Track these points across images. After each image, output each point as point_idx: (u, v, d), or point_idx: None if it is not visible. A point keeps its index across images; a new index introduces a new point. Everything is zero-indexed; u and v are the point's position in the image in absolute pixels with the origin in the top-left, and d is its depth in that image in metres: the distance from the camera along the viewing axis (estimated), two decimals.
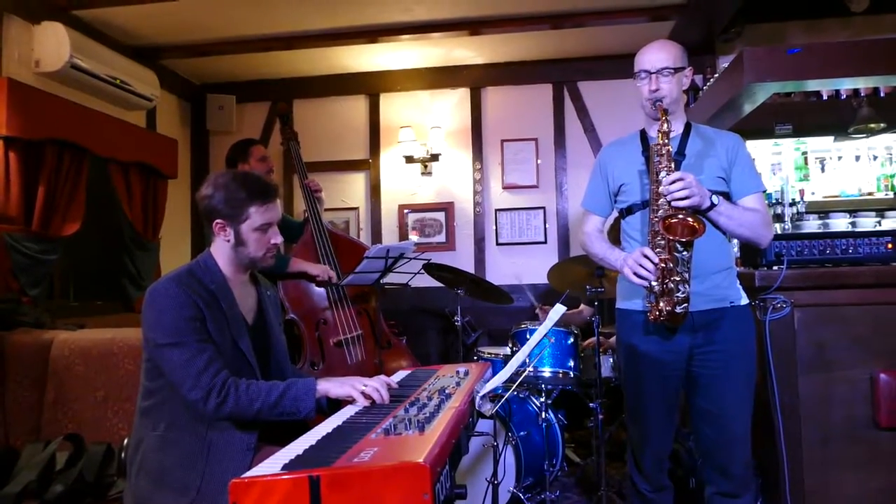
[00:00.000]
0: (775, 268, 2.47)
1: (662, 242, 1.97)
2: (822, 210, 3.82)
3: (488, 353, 3.50)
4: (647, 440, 2.21)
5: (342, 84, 4.95)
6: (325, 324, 3.22)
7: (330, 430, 1.46)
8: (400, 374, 2.12)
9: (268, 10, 3.84)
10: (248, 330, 1.86)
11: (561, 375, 3.08)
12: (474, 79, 4.87)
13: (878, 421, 2.35)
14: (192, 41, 4.28)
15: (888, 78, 3.07)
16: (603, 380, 2.98)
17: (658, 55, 2.10)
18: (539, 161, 4.81)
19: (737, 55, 2.99)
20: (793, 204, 3.54)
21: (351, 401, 1.74)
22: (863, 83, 3.32)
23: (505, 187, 4.84)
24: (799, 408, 2.39)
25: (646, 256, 1.98)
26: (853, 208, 3.88)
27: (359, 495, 1.09)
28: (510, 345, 3.27)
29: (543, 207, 4.79)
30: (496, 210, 4.84)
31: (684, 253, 1.93)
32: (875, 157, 4.29)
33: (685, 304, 1.96)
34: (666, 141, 2.02)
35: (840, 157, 4.33)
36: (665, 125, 2.03)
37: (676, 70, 2.09)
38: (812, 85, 3.12)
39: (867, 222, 3.44)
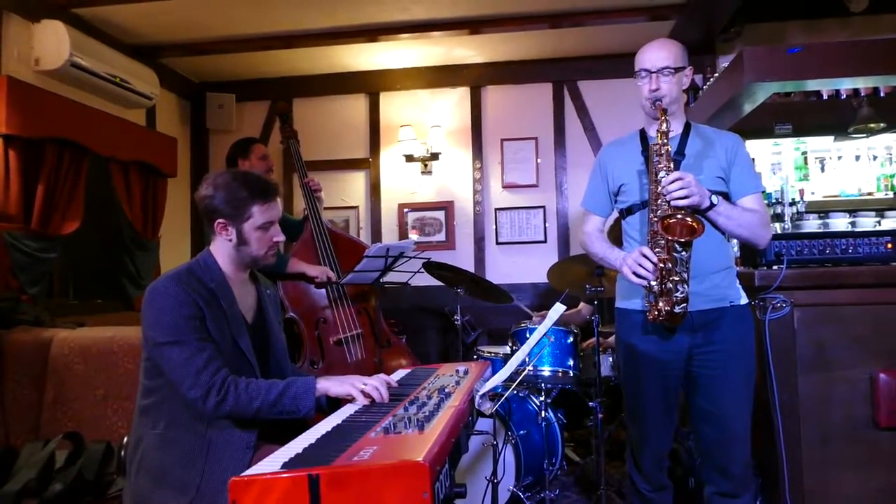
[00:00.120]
0: (775, 267, 2.47)
1: (662, 242, 1.97)
2: (822, 210, 3.81)
3: (488, 352, 3.50)
4: (646, 440, 2.21)
5: (342, 83, 4.94)
6: (324, 322, 3.22)
7: (329, 429, 1.46)
8: (399, 373, 2.12)
9: (267, 9, 3.83)
10: (248, 328, 1.86)
11: (560, 374, 3.08)
12: (474, 78, 4.87)
13: (878, 421, 2.35)
14: (192, 39, 4.28)
15: (888, 78, 3.07)
16: (602, 379, 2.98)
17: (659, 54, 2.09)
18: (539, 160, 4.81)
19: (736, 55, 2.99)
20: (793, 204, 3.54)
21: (351, 399, 1.74)
22: (862, 83, 3.32)
23: (505, 186, 4.84)
24: (798, 407, 2.39)
25: (645, 256, 1.98)
26: (853, 208, 3.87)
27: (358, 494, 1.09)
28: (510, 344, 3.28)
29: (543, 206, 4.79)
30: (496, 209, 4.84)
31: (683, 253, 1.93)
32: (875, 157, 4.29)
33: (684, 305, 1.96)
34: (665, 141, 2.02)
35: (840, 157, 4.33)
36: (664, 125, 2.02)
37: (677, 70, 2.09)
38: (812, 85, 3.12)
39: (867, 222, 3.44)
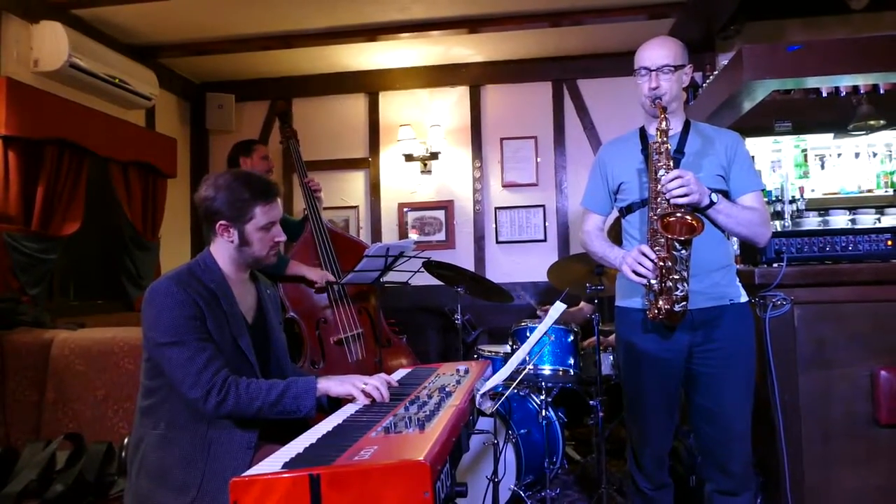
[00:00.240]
0: (775, 265, 2.47)
1: (662, 241, 1.96)
2: (822, 207, 3.81)
3: (488, 352, 3.50)
4: (647, 438, 2.21)
5: (341, 82, 4.94)
6: (325, 322, 3.22)
7: (330, 429, 1.46)
8: (400, 373, 2.12)
9: (267, 9, 3.83)
10: (248, 328, 1.86)
11: (561, 373, 3.08)
12: (473, 77, 4.87)
13: (878, 418, 2.35)
14: (191, 40, 4.28)
15: (888, 75, 3.06)
16: (603, 377, 2.98)
17: (659, 52, 2.09)
18: (538, 159, 4.81)
19: (736, 52, 2.98)
20: (793, 201, 3.54)
21: (351, 399, 1.74)
22: (862, 80, 3.32)
23: (504, 185, 4.84)
24: (799, 405, 2.38)
25: (644, 254, 1.98)
26: (853, 205, 3.87)
27: (359, 494, 1.09)
28: (510, 343, 3.28)
29: (543, 205, 4.79)
30: (496, 208, 4.84)
31: (683, 251, 1.93)
32: (875, 154, 4.28)
33: (684, 303, 1.96)
34: (665, 139, 2.01)
35: (840, 154, 4.33)
36: (664, 123, 2.02)
37: (677, 68, 2.08)
38: (812, 82, 3.11)
39: (867, 219, 3.43)
